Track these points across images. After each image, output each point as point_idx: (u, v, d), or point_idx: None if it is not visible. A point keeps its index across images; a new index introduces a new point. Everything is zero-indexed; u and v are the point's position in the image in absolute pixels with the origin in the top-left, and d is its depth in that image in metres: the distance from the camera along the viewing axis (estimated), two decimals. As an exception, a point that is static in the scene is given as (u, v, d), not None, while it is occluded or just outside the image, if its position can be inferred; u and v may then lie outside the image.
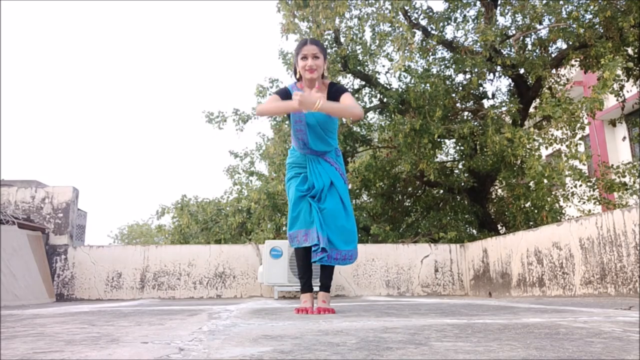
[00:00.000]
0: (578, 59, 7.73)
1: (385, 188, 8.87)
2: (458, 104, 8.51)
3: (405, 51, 7.51)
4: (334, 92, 2.70)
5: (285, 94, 2.68)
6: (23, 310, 3.23)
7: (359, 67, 8.14)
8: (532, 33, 7.97)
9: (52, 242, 5.72)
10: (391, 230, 7.68)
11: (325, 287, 2.73)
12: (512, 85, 8.57)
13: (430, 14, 8.40)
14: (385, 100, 8.20)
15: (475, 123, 7.89)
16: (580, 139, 8.36)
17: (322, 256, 2.53)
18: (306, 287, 2.72)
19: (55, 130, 63.35)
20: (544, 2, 7.51)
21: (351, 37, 7.92)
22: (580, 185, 8.08)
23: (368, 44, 7.98)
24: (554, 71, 8.60)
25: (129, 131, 62.75)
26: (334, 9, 7.43)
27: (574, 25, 7.00)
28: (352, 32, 7.95)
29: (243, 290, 5.77)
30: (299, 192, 2.70)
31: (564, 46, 7.96)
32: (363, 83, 8.72)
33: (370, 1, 7.93)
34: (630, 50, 7.52)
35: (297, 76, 2.76)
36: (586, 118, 7.99)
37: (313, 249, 2.57)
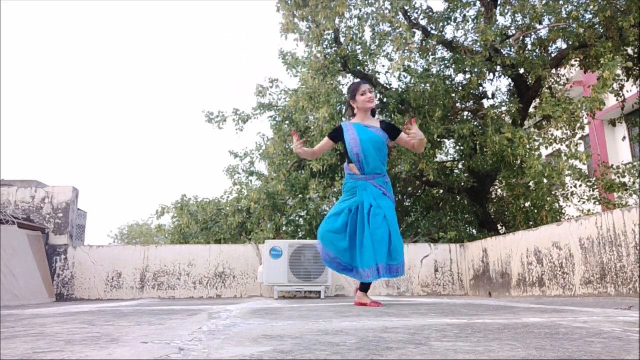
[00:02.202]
0: (578, 59, 7.73)
1: (385, 188, 8.85)
2: (458, 104, 8.51)
3: (405, 51, 7.51)
4: (390, 128, 3.29)
5: (338, 132, 3.29)
6: (23, 310, 3.23)
7: (359, 67, 8.14)
8: (532, 33, 7.97)
9: (52, 242, 5.72)
10: (391, 230, 7.66)
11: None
12: (512, 85, 8.57)
13: (430, 14, 8.40)
14: (385, 100, 8.20)
15: (475, 123, 7.89)
16: (580, 139, 8.37)
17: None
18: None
19: (55, 130, 63.35)
20: (544, 2, 7.50)
21: (351, 37, 7.92)
22: (580, 185, 8.09)
23: (368, 44, 7.98)
24: (554, 71, 8.60)
25: (129, 131, 62.75)
26: (334, 9, 7.43)
27: (574, 25, 7.00)
28: (352, 32, 7.95)
29: (243, 290, 5.77)
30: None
31: (564, 46, 7.96)
32: (363, 83, 8.71)
33: (370, 1, 7.93)
34: (630, 50, 7.52)
35: (354, 113, 3.33)
36: (586, 118, 8.00)
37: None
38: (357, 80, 3.43)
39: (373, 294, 5.80)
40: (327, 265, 3.25)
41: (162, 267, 5.76)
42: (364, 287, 3.29)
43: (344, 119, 8.19)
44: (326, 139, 3.33)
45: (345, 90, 8.71)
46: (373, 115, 3.40)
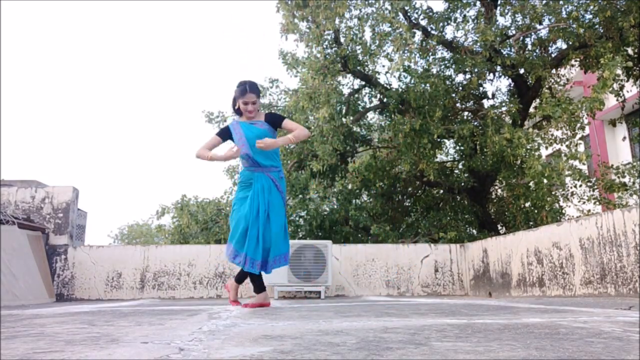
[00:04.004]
0: (578, 59, 7.73)
1: (385, 188, 8.87)
2: (458, 104, 8.51)
3: (405, 51, 7.51)
4: (272, 120, 3.35)
5: (226, 133, 3.36)
6: (23, 310, 3.23)
7: (359, 67, 8.14)
8: (532, 33, 7.97)
9: (52, 242, 5.72)
10: (391, 230, 7.68)
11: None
12: (512, 85, 8.57)
13: (430, 14, 8.40)
14: (385, 100, 8.20)
15: (475, 123, 7.89)
16: (580, 139, 8.37)
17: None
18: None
19: (55, 130, 63.37)
20: (544, 2, 7.50)
21: (351, 37, 7.92)
22: (580, 186, 8.09)
23: (368, 44, 7.98)
24: (554, 71, 8.59)
25: (129, 131, 62.77)
26: (334, 9, 7.43)
27: (574, 25, 7.00)
28: (352, 32, 7.95)
29: (243, 290, 5.77)
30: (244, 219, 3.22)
31: (564, 46, 7.95)
32: (363, 83, 8.72)
33: (370, 1, 7.92)
34: (630, 50, 7.52)
35: (237, 110, 3.39)
36: (586, 118, 7.99)
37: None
38: (245, 86, 3.41)
39: (373, 294, 5.80)
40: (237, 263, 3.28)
41: (162, 267, 5.76)
42: (241, 279, 3.38)
43: (343, 119, 8.19)
44: (214, 135, 3.39)
45: (345, 91, 8.71)
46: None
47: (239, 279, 3.43)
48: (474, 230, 8.67)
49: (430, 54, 8.40)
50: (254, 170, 3.29)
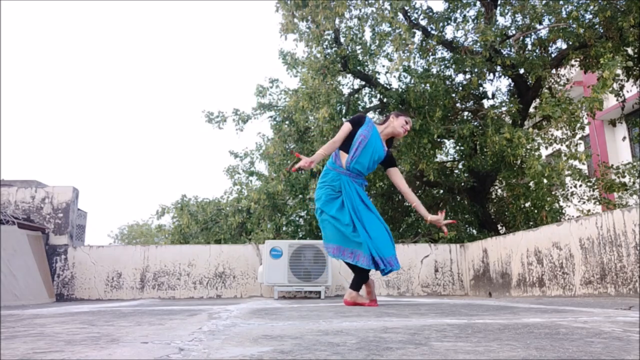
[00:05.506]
0: (578, 59, 7.73)
1: (385, 188, 8.87)
2: (458, 104, 8.51)
3: (404, 51, 7.51)
4: (389, 156, 3.44)
5: (358, 122, 3.30)
6: (23, 310, 3.23)
7: (359, 67, 8.14)
8: (532, 33, 7.97)
9: (52, 242, 5.72)
10: (391, 230, 7.68)
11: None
12: (512, 85, 8.57)
13: (430, 14, 8.40)
14: (385, 100, 8.20)
15: (475, 123, 7.89)
16: (580, 139, 8.37)
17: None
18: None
19: (55, 130, 63.36)
20: (544, 2, 7.50)
21: (351, 37, 7.92)
22: (580, 186, 8.09)
23: (368, 44, 7.98)
24: (554, 71, 8.59)
25: (129, 131, 62.78)
26: (334, 9, 7.43)
27: (574, 25, 7.00)
28: (351, 32, 7.95)
29: (243, 290, 5.77)
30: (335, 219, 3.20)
31: (564, 46, 7.95)
32: (363, 83, 8.72)
33: (370, 1, 7.92)
34: (630, 50, 7.52)
35: (383, 121, 3.45)
36: (586, 118, 7.99)
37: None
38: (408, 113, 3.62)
39: (373, 294, 5.80)
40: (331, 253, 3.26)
41: (162, 267, 5.76)
42: (359, 284, 3.27)
43: (343, 119, 8.19)
44: (347, 124, 3.31)
45: (345, 91, 8.71)
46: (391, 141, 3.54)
47: (358, 284, 3.29)
48: (474, 230, 8.67)
49: (430, 54, 8.40)
50: (341, 172, 3.28)
